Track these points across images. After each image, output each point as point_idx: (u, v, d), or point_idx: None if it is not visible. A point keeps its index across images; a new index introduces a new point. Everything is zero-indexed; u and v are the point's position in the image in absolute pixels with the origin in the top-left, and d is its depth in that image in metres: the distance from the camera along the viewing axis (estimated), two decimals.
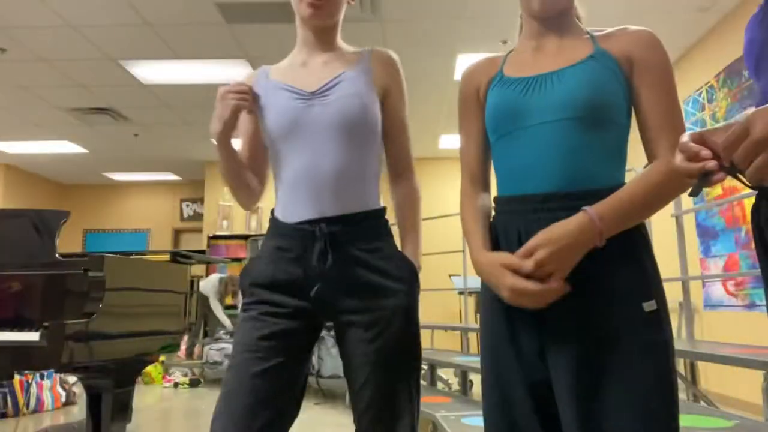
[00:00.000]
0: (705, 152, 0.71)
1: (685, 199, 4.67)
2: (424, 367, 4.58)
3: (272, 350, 1.12)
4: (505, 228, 1.03)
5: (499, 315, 1.02)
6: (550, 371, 0.95)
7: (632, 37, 1.01)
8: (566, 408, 0.92)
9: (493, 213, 1.10)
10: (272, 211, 1.25)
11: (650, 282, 0.94)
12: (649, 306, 0.92)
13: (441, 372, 4.93)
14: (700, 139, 0.72)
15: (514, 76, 1.08)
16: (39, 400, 4.27)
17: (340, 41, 1.34)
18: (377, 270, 1.16)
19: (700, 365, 4.41)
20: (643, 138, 0.99)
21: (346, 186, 1.18)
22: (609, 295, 0.93)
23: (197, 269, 7.60)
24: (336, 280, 1.15)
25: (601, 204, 0.92)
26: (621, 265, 0.94)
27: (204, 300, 6.04)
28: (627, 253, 0.94)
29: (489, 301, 1.04)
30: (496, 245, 1.05)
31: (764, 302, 0.86)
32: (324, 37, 1.29)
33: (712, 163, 0.70)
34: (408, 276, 1.18)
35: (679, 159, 0.74)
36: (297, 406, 1.17)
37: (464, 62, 5.02)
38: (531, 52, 1.10)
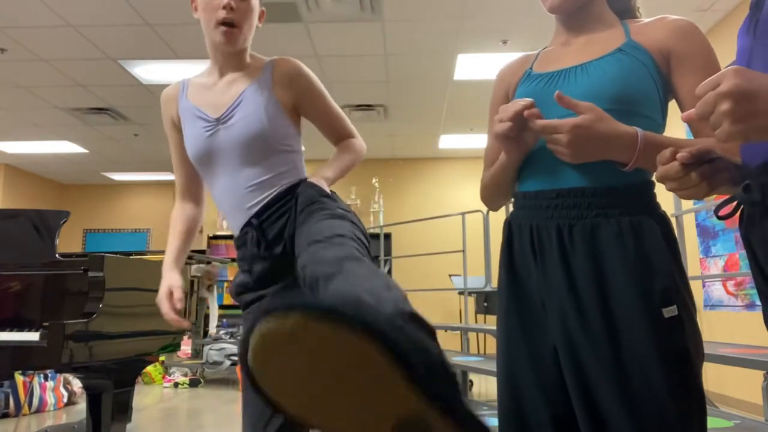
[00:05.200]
0: (680, 155, 0.76)
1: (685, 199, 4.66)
2: None
3: None
4: (519, 224, 1.02)
5: (514, 317, 1.00)
6: (563, 371, 0.93)
7: (668, 29, 0.97)
8: (579, 412, 0.90)
9: (511, 209, 1.09)
10: None
11: (671, 286, 0.89)
12: (669, 312, 0.87)
13: None
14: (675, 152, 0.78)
15: (540, 72, 1.06)
16: (42, 400, 4.28)
17: (251, 57, 1.41)
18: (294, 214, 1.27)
19: None
20: (692, 130, 0.95)
21: (263, 189, 1.30)
22: (625, 299, 0.89)
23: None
24: (275, 263, 1.27)
25: (649, 132, 0.90)
26: (639, 270, 0.89)
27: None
28: (647, 258, 0.90)
29: (504, 300, 1.03)
30: (510, 242, 1.04)
31: (762, 303, 0.85)
32: (232, 61, 1.37)
33: (682, 154, 0.76)
34: (306, 189, 1.27)
35: (658, 170, 0.80)
36: None
37: (464, 62, 5.02)
38: (560, 47, 1.08)
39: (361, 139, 1.46)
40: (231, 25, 1.29)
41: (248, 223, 1.31)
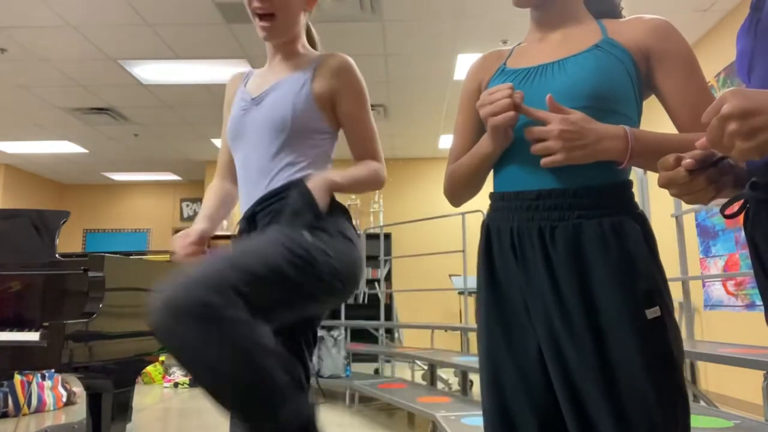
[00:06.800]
0: (686, 162, 0.76)
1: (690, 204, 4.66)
2: (424, 367, 4.57)
3: None
4: (498, 227, 1.00)
5: (496, 322, 0.99)
6: (550, 374, 0.92)
7: (646, 27, 0.97)
8: (567, 414, 0.90)
9: (487, 210, 1.07)
10: None
11: (654, 288, 0.89)
12: (652, 313, 0.87)
13: (441, 372, 4.93)
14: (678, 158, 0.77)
15: (515, 68, 1.05)
16: (41, 400, 4.27)
17: (306, 47, 1.42)
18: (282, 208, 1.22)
19: (700, 365, 4.41)
20: (677, 128, 0.95)
21: (279, 176, 1.26)
22: (609, 301, 0.88)
23: None
24: None
25: (635, 129, 0.90)
26: (623, 272, 0.89)
27: None
28: (630, 259, 0.90)
29: (485, 306, 1.01)
30: (488, 244, 1.02)
31: (764, 302, 0.85)
32: (282, 49, 1.39)
33: (688, 161, 0.75)
34: (297, 192, 1.20)
35: (661, 176, 0.79)
36: None
37: (464, 62, 5.01)
38: (535, 43, 1.07)
39: (384, 168, 1.38)
40: (266, 16, 1.29)
41: (249, 210, 1.29)
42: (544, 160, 0.90)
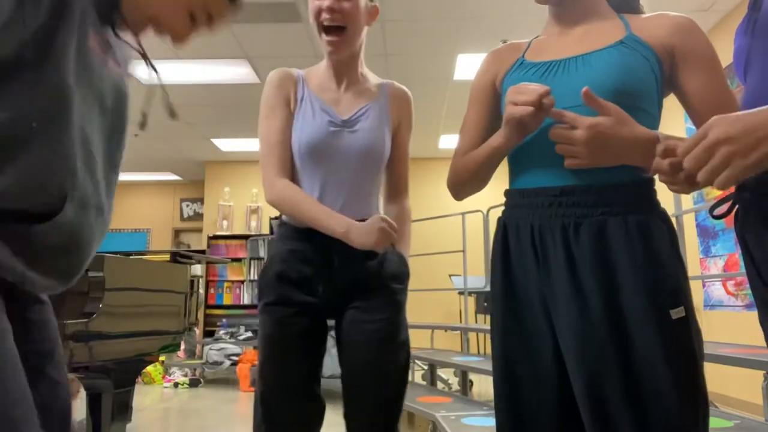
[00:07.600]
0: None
1: (685, 199, 4.67)
2: (424, 367, 4.57)
3: (294, 346, 1.35)
4: (517, 224, 0.99)
5: (511, 320, 0.98)
6: (569, 372, 0.92)
7: (671, 25, 0.95)
8: (584, 413, 0.89)
9: (503, 208, 1.06)
10: (280, 217, 1.37)
11: (678, 287, 0.89)
12: (677, 313, 0.86)
13: (441, 372, 4.93)
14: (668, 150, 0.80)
15: (535, 61, 1.03)
16: None
17: (364, 68, 1.45)
18: (375, 268, 1.30)
19: None
20: (697, 127, 0.94)
21: (356, 201, 1.32)
22: (634, 300, 0.87)
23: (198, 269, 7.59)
24: (340, 279, 1.29)
25: (669, 137, 0.89)
26: (648, 270, 0.88)
27: None
28: (656, 258, 0.89)
29: (500, 305, 1.00)
30: (505, 242, 1.00)
31: (756, 300, 0.86)
32: (346, 67, 1.38)
33: (675, 159, 0.77)
34: (402, 275, 1.34)
35: (654, 162, 0.82)
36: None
37: (464, 62, 5.01)
38: (555, 36, 1.05)
39: (409, 200, 1.46)
40: (335, 29, 1.27)
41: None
42: (568, 162, 0.90)
